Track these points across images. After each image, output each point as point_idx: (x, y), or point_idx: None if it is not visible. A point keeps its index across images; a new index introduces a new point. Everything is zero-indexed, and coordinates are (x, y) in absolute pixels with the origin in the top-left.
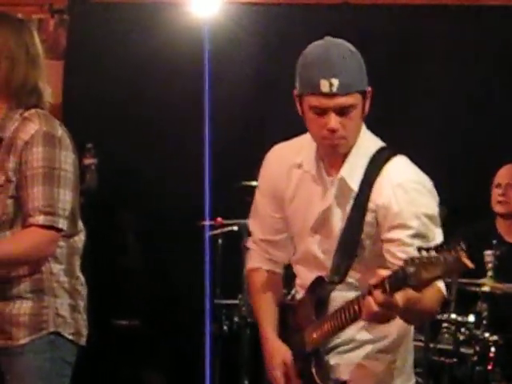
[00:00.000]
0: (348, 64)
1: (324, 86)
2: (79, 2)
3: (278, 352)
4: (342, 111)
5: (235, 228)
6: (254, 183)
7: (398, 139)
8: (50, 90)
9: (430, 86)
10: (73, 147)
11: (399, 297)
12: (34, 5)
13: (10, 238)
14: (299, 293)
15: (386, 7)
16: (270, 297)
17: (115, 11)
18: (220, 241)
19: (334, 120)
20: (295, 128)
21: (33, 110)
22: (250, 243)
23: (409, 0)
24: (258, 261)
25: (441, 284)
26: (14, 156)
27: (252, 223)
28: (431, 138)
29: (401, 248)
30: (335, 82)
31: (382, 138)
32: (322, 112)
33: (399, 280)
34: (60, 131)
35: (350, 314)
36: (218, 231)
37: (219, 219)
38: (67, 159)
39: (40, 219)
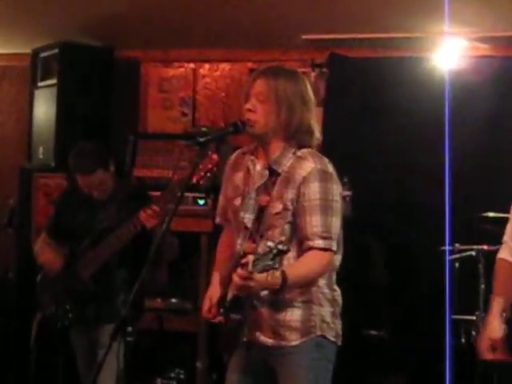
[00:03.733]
0: None
1: None
2: (337, 58)
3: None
4: None
5: (473, 253)
6: (490, 214)
7: None
8: (319, 128)
9: None
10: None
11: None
12: (298, 60)
13: (299, 260)
14: None
15: None
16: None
17: (367, 65)
18: (457, 264)
19: None
20: None
21: (305, 150)
22: (503, 240)
23: None
24: (505, 254)
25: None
26: (292, 189)
27: (506, 232)
28: None
29: None
30: None
31: None
32: None
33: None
34: (331, 168)
35: None
36: (457, 256)
37: (457, 245)
38: (337, 192)
39: (320, 243)
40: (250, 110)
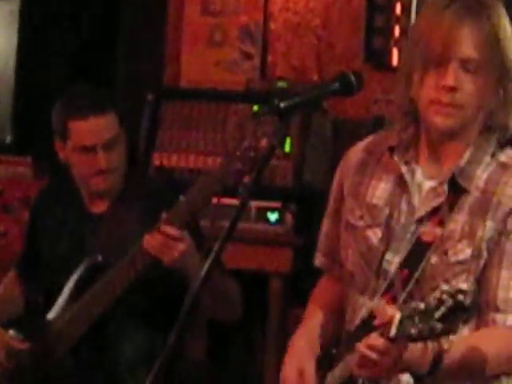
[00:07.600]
0: None
1: None
2: None
3: None
4: None
5: None
6: None
7: None
8: None
9: None
10: None
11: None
12: None
13: (476, 335)
14: None
15: None
16: None
17: None
18: None
19: None
20: None
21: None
22: None
23: None
24: None
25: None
26: (492, 220)
27: None
28: None
29: None
30: None
31: None
32: None
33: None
34: None
35: None
36: None
37: None
38: None
39: (497, 318)
40: (452, 89)
